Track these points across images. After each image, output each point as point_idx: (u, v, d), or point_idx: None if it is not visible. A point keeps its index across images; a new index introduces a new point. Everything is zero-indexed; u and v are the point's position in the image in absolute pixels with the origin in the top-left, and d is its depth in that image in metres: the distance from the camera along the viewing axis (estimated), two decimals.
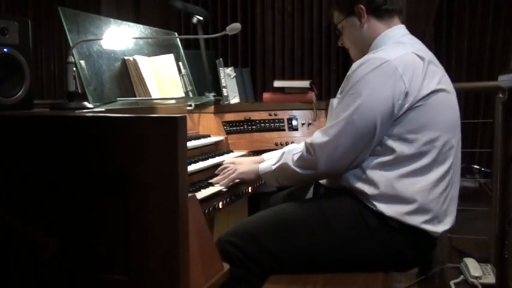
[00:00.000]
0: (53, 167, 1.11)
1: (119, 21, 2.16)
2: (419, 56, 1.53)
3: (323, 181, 1.73)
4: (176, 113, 1.38)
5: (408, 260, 1.59)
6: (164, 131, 1.04)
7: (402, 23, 1.69)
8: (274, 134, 2.77)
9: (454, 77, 1.53)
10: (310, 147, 1.57)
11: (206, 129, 2.46)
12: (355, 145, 1.51)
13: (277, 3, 4.36)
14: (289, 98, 2.95)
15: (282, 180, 1.71)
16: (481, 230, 3.04)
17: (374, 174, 1.52)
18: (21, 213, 1.13)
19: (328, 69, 4.31)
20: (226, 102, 2.78)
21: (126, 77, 2.12)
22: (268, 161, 1.82)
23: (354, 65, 1.55)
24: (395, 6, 1.66)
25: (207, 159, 2.05)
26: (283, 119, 2.82)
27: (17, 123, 1.15)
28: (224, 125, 2.53)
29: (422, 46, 1.63)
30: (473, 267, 2.61)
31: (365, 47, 1.67)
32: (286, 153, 1.67)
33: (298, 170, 1.60)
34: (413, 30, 1.69)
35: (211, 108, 2.49)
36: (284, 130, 2.80)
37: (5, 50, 1.47)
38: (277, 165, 1.69)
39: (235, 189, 1.86)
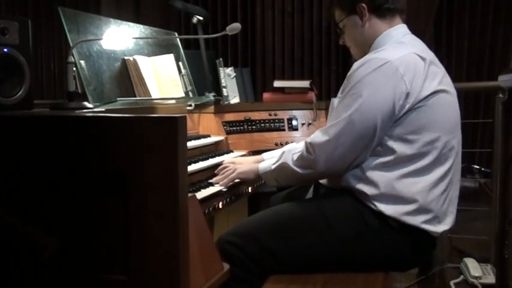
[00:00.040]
0: (53, 167, 1.11)
1: (119, 21, 2.16)
2: (420, 57, 1.53)
3: (323, 181, 1.73)
4: (176, 113, 1.38)
5: (408, 260, 1.59)
6: (164, 131, 1.04)
7: (403, 22, 1.69)
8: (274, 134, 2.77)
9: (454, 77, 1.53)
10: (309, 147, 1.57)
11: (206, 129, 2.46)
12: (355, 145, 1.51)
13: (277, 3, 4.36)
14: (289, 98, 2.95)
15: (282, 180, 1.71)
16: (481, 230, 3.03)
17: (374, 174, 1.52)
18: (21, 213, 1.13)
19: (328, 69, 4.31)
20: (226, 102, 2.78)
21: (126, 77, 2.12)
22: (268, 160, 1.82)
23: (355, 65, 1.55)
24: (397, 5, 1.66)
25: (207, 159, 2.05)
26: (283, 119, 2.82)
27: (17, 123, 1.15)
28: (224, 125, 2.53)
29: (424, 46, 1.63)
30: (473, 267, 2.61)
31: (366, 46, 1.67)
32: (286, 152, 1.67)
33: (297, 169, 1.60)
34: (413, 30, 1.68)
35: (211, 108, 2.49)
36: (284, 130, 2.80)
37: (5, 50, 1.47)
38: (276, 164, 1.69)
39: (235, 189, 1.86)
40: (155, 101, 2.14)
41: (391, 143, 1.51)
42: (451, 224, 1.59)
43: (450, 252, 3.00)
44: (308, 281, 1.50)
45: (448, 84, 1.59)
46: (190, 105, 2.41)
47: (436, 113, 1.52)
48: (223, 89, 2.80)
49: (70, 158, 1.09)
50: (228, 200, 1.76)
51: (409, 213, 1.51)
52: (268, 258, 1.55)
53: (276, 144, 2.70)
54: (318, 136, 1.56)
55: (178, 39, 2.52)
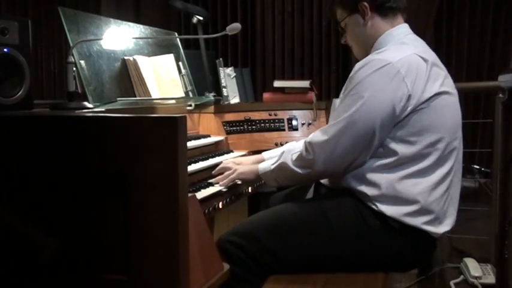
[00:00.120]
0: (53, 167, 1.11)
1: (119, 21, 2.16)
2: (422, 58, 1.52)
3: (324, 181, 1.73)
4: (176, 113, 1.38)
5: (408, 261, 1.59)
6: (164, 131, 1.04)
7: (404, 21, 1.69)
8: (274, 134, 2.77)
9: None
10: (309, 147, 1.56)
11: (206, 129, 2.46)
12: (354, 146, 1.51)
13: (277, 3, 4.36)
14: (289, 98, 2.95)
15: (281, 180, 1.71)
16: (481, 230, 3.03)
17: (376, 176, 1.52)
18: (21, 213, 1.13)
19: (328, 69, 4.31)
20: (226, 102, 2.78)
21: (126, 77, 2.12)
22: (268, 160, 1.81)
23: (357, 66, 1.55)
24: (399, 4, 1.65)
25: (207, 159, 2.05)
26: (283, 119, 2.82)
27: (17, 123, 1.15)
28: (224, 125, 2.53)
29: (426, 47, 1.62)
30: (473, 267, 2.61)
31: (368, 45, 1.66)
32: (286, 152, 1.67)
33: (297, 169, 1.60)
34: (413, 30, 1.68)
35: (211, 108, 2.49)
36: (284, 130, 2.80)
37: (5, 50, 1.47)
38: (276, 164, 1.69)
39: (235, 189, 1.86)
40: (155, 101, 2.14)
41: (393, 145, 1.51)
42: (451, 225, 1.59)
43: (450, 252, 3.00)
44: (308, 281, 1.50)
45: (450, 85, 1.59)
46: (190, 105, 2.41)
47: (439, 115, 1.51)
48: (223, 89, 2.80)
49: (70, 158, 1.09)
50: (228, 200, 1.76)
51: (410, 214, 1.51)
52: (269, 258, 1.55)
53: (276, 144, 2.70)
54: (317, 136, 1.56)
55: (178, 39, 2.52)
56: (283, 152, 1.69)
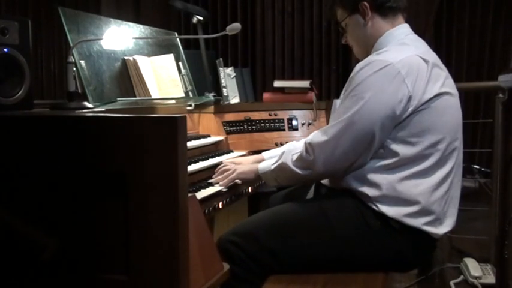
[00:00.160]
0: (53, 167, 1.10)
1: (119, 21, 2.16)
2: (423, 59, 1.52)
3: (325, 181, 1.73)
4: (176, 113, 1.38)
5: (408, 261, 1.59)
6: (164, 131, 1.04)
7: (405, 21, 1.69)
8: (274, 134, 2.77)
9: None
10: (309, 147, 1.56)
11: (206, 129, 2.46)
12: (354, 146, 1.50)
13: (277, 3, 4.36)
14: (289, 98, 2.94)
15: (281, 180, 1.71)
16: (481, 230, 3.03)
17: (376, 176, 1.52)
18: (21, 213, 1.13)
19: (328, 69, 4.31)
20: (226, 102, 2.78)
21: (126, 77, 2.12)
22: (268, 160, 1.81)
23: (357, 67, 1.55)
24: (399, 3, 1.65)
25: (207, 159, 2.05)
26: (283, 119, 2.82)
27: (17, 123, 1.15)
28: (224, 125, 2.53)
29: (427, 47, 1.62)
30: (473, 267, 2.61)
31: (368, 46, 1.66)
32: (286, 152, 1.67)
33: (296, 170, 1.60)
34: (413, 30, 1.68)
35: (211, 108, 2.49)
36: (284, 130, 2.80)
37: (5, 50, 1.47)
38: (276, 165, 1.69)
39: (235, 189, 1.86)
40: (155, 101, 2.14)
41: (394, 146, 1.51)
42: (452, 225, 1.59)
43: (450, 252, 3.00)
44: (308, 281, 1.50)
45: (450, 86, 1.58)
46: (190, 105, 2.41)
47: (440, 116, 1.51)
48: (223, 89, 2.80)
49: (70, 158, 1.09)
50: (228, 200, 1.76)
51: (410, 215, 1.51)
52: (269, 257, 1.55)
53: (276, 144, 2.70)
54: (317, 136, 1.56)
55: (178, 39, 2.52)
56: (283, 152, 1.69)
